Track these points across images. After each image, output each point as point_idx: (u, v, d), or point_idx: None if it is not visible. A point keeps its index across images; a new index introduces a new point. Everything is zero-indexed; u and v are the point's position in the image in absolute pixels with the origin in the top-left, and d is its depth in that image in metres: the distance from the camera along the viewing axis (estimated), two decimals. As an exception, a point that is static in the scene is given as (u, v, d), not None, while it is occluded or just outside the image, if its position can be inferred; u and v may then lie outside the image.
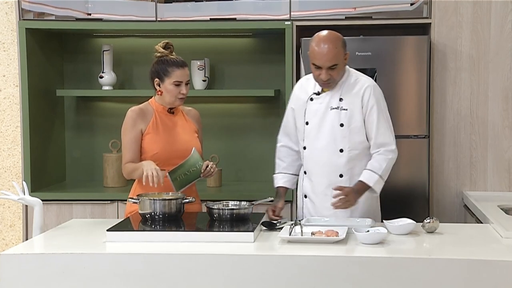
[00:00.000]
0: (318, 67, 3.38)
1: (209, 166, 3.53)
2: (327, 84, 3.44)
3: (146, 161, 3.47)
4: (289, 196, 4.25)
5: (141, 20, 4.55)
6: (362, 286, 2.75)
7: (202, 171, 3.53)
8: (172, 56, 3.56)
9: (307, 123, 3.53)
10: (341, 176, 3.48)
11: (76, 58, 4.97)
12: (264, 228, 3.23)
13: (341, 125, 3.44)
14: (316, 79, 3.44)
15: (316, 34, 3.44)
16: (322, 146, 3.48)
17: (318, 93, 3.51)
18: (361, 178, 3.43)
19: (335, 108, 3.46)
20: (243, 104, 4.92)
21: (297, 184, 3.72)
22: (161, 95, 3.57)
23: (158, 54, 3.57)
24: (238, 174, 4.93)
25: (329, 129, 3.46)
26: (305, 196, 3.59)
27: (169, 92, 3.54)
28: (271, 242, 3.02)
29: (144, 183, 3.39)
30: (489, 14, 4.32)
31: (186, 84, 3.56)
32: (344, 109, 3.44)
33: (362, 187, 3.42)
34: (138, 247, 2.95)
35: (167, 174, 3.49)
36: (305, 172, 3.59)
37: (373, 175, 3.42)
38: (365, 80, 3.50)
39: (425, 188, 4.31)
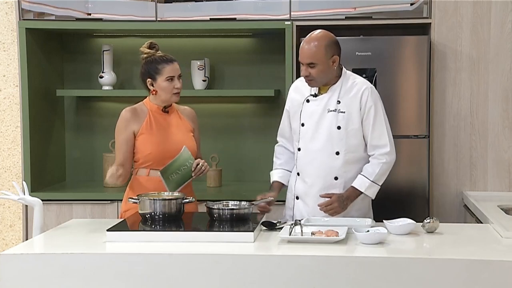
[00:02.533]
0: (302, 64, 3.44)
1: (200, 164, 3.52)
2: (308, 81, 3.47)
3: None
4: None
5: (141, 20, 4.55)
6: (362, 286, 2.75)
7: (193, 169, 3.52)
8: (159, 54, 3.57)
9: (302, 125, 3.53)
10: (336, 178, 3.48)
11: (76, 58, 4.97)
12: (264, 228, 3.23)
13: (338, 127, 3.45)
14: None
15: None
16: (318, 148, 3.49)
17: (315, 95, 3.52)
18: (353, 184, 3.47)
19: (333, 110, 3.46)
20: (243, 104, 4.91)
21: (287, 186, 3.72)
22: (155, 94, 3.58)
23: (145, 55, 3.59)
24: (238, 174, 4.93)
25: (326, 131, 3.47)
26: (297, 198, 3.59)
27: (163, 89, 3.55)
28: (271, 242, 3.02)
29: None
30: (489, 14, 4.32)
31: (179, 78, 3.57)
32: (341, 112, 3.45)
33: (354, 193, 3.47)
34: (138, 247, 2.95)
35: (159, 173, 3.49)
36: (298, 174, 3.58)
37: (365, 180, 3.45)
38: (363, 82, 3.51)
39: (425, 188, 4.31)
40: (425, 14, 4.36)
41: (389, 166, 3.50)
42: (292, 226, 3.06)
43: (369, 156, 3.50)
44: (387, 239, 3.02)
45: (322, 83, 3.48)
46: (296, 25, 4.41)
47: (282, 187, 3.68)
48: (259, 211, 3.48)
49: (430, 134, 4.37)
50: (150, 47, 3.60)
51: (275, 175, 3.70)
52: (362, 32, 4.48)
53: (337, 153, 3.46)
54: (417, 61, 4.29)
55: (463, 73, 4.37)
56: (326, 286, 2.76)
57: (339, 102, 3.46)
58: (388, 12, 4.39)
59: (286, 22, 4.41)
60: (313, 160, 3.50)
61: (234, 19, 4.51)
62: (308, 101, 3.53)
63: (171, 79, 3.54)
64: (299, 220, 3.13)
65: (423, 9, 4.36)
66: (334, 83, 3.49)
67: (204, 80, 4.76)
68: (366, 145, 3.49)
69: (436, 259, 2.76)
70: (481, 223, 3.65)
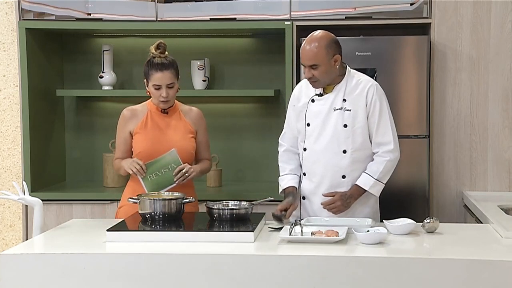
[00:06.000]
0: (304, 66, 3.44)
1: (184, 170, 3.52)
2: (312, 83, 3.47)
3: (125, 160, 3.58)
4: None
5: (141, 20, 4.55)
6: (362, 286, 2.75)
7: (174, 174, 3.51)
8: (158, 58, 3.56)
9: (308, 125, 3.53)
10: (343, 177, 3.48)
11: (76, 58, 4.97)
12: (272, 225, 3.24)
13: (345, 125, 3.45)
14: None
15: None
16: (323, 147, 3.48)
17: (320, 94, 3.52)
18: (357, 182, 3.47)
19: (339, 109, 3.46)
20: (243, 104, 4.91)
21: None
22: (150, 95, 3.63)
23: (151, 54, 3.60)
24: (238, 174, 4.93)
25: (332, 130, 3.47)
26: (304, 198, 3.59)
27: (152, 94, 3.61)
28: (271, 242, 3.02)
29: (133, 174, 3.54)
30: (489, 14, 4.32)
31: (169, 87, 3.55)
32: (347, 110, 3.45)
33: (358, 191, 3.47)
34: (138, 247, 2.95)
35: None
36: (304, 174, 3.58)
37: (370, 178, 3.45)
38: (368, 80, 3.52)
39: (425, 188, 4.31)
40: (425, 14, 4.36)
41: (393, 164, 3.50)
42: (292, 226, 3.06)
43: (374, 153, 3.51)
44: (387, 239, 3.02)
45: (326, 84, 3.48)
46: (296, 25, 4.41)
47: (296, 192, 3.58)
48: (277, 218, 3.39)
49: (430, 134, 4.37)
50: (158, 47, 3.60)
51: (290, 181, 3.57)
52: (362, 32, 4.48)
53: (344, 151, 3.46)
54: (417, 61, 4.29)
55: (463, 73, 4.37)
56: (326, 286, 2.76)
57: (344, 100, 3.47)
58: (388, 12, 4.39)
59: (286, 22, 4.41)
60: (319, 159, 3.50)
61: (234, 19, 4.51)
62: (313, 101, 3.53)
63: (158, 87, 3.55)
64: (299, 220, 3.13)
65: (423, 9, 4.36)
66: (339, 82, 3.49)
67: (204, 80, 4.76)
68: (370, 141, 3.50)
69: (436, 259, 2.76)
70: (481, 223, 3.65)
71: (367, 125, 3.47)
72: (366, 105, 3.45)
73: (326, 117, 3.48)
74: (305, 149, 3.55)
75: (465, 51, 4.35)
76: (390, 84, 4.29)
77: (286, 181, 3.59)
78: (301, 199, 3.59)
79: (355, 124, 3.45)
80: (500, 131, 4.37)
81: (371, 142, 3.50)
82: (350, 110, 3.45)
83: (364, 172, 3.48)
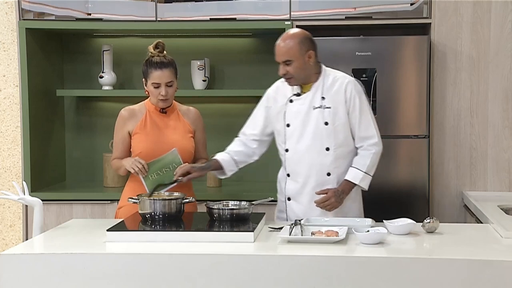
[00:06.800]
0: (279, 63, 3.45)
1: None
2: (287, 80, 3.48)
3: (125, 159, 3.58)
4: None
5: (141, 20, 4.55)
6: (362, 286, 2.75)
7: (175, 173, 3.51)
8: (157, 57, 3.57)
9: (288, 125, 3.53)
10: (328, 174, 3.50)
11: (76, 58, 4.97)
12: (272, 225, 3.23)
13: (326, 123, 3.47)
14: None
15: None
16: (307, 146, 3.50)
17: (298, 94, 3.53)
18: (346, 177, 3.49)
19: (318, 107, 3.48)
20: (243, 104, 4.90)
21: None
22: (148, 95, 3.62)
23: (149, 54, 3.60)
24: (238, 174, 4.89)
25: (314, 129, 3.48)
26: (289, 199, 3.59)
27: (151, 93, 3.60)
28: (271, 242, 3.02)
29: (134, 173, 3.53)
30: (489, 14, 4.32)
31: (169, 85, 3.56)
32: (327, 107, 3.47)
33: (348, 186, 3.49)
34: (138, 247, 2.95)
35: None
36: (288, 175, 3.58)
37: (358, 172, 3.47)
38: (344, 76, 3.53)
39: (425, 188, 4.31)
40: (425, 14, 4.37)
41: (378, 156, 3.53)
42: (292, 226, 3.06)
43: (358, 148, 3.53)
44: (387, 239, 3.02)
45: (301, 81, 3.49)
46: (296, 25, 4.41)
47: (217, 169, 3.62)
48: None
49: (430, 134, 4.37)
50: (156, 46, 3.61)
51: (218, 155, 3.65)
52: (362, 32, 4.48)
53: (327, 149, 3.48)
54: (417, 61, 4.29)
55: (463, 73, 4.37)
56: (326, 286, 2.76)
57: (323, 98, 3.48)
58: (388, 12, 4.39)
59: (286, 22, 4.41)
60: (302, 159, 3.51)
61: (234, 19, 4.51)
62: (291, 101, 3.54)
63: (157, 86, 3.55)
64: (299, 220, 3.13)
65: (423, 9, 4.36)
66: (315, 81, 3.51)
67: (204, 80, 4.76)
68: (353, 138, 3.52)
69: (436, 259, 2.76)
70: (481, 223, 3.65)
71: (348, 121, 3.48)
72: (346, 102, 3.47)
73: (306, 116, 3.49)
74: (287, 150, 3.55)
75: (465, 51, 4.35)
76: (390, 84, 4.30)
77: (217, 155, 3.64)
78: (286, 200, 3.59)
79: (335, 121, 3.47)
80: (500, 131, 4.37)
81: (353, 138, 3.51)
82: (330, 107, 3.46)
83: (351, 166, 3.50)
